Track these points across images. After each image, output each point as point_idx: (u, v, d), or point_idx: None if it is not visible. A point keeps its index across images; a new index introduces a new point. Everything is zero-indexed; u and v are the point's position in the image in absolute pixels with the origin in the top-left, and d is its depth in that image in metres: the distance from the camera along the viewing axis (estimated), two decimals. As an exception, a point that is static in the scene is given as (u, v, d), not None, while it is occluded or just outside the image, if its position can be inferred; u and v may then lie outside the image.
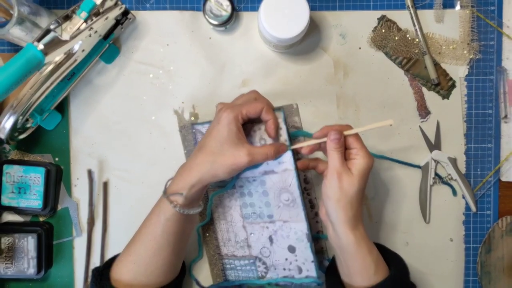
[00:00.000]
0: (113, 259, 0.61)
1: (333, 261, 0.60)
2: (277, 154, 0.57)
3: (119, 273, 0.57)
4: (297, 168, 0.58)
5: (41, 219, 0.69)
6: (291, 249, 0.62)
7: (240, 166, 0.54)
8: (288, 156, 0.58)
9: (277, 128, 0.57)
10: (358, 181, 0.53)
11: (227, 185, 0.63)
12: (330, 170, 0.54)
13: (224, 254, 0.67)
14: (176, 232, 0.57)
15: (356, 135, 0.55)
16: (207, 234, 0.68)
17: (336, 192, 0.53)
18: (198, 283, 0.69)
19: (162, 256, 0.57)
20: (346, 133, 0.55)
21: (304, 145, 0.57)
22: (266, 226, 0.63)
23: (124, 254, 0.58)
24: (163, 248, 0.56)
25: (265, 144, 0.59)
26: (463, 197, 0.68)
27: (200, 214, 0.67)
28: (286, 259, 0.63)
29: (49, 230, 0.68)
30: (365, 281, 0.53)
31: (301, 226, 0.60)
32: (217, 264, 0.68)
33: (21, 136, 0.65)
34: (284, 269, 0.63)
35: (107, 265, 0.60)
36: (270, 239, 0.63)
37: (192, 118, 0.68)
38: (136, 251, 0.57)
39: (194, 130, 0.67)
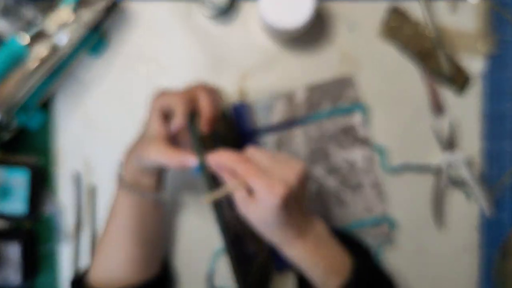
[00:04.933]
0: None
1: None
2: (177, 163, 0.50)
3: (94, 273, 0.58)
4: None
5: (25, 225, 0.67)
6: None
7: (149, 160, 0.51)
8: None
9: (177, 127, 0.51)
10: (265, 219, 0.47)
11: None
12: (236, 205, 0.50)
13: None
14: (133, 217, 0.55)
15: (247, 167, 0.46)
16: None
17: (253, 225, 0.49)
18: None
19: (127, 246, 0.56)
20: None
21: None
22: None
23: (95, 253, 0.59)
24: (125, 236, 0.56)
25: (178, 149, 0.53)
26: (478, 201, 0.66)
27: None
28: None
29: (34, 237, 0.66)
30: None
31: None
32: None
33: (5, 136, 0.62)
34: None
35: (84, 272, 0.60)
36: None
37: None
38: (103, 245, 0.57)
39: None
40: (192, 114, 0.50)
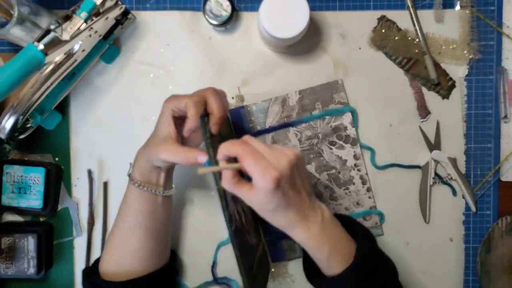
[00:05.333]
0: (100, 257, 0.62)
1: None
2: (188, 160, 0.52)
3: (105, 264, 0.59)
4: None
5: (41, 219, 0.69)
6: None
7: (159, 159, 0.54)
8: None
9: (191, 128, 0.52)
10: (265, 205, 0.48)
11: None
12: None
13: None
14: (144, 211, 0.57)
15: (245, 153, 0.47)
16: None
17: (257, 209, 0.50)
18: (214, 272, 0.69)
19: (138, 238, 0.57)
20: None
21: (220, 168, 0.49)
22: None
23: (106, 244, 0.60)
24: (135, 229, 0.57)
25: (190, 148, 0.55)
26: (463, 197, 0.68)
27: None
28: None
29: (49, 230, 0.68)
30: (324, 271, 0.53)
31: None
32: None
33: (21, 136, 0.64)
34: None
35: (95, 263, 0.61)
36: None
37: None
38: (114, 237, 0.59)
39: None
40: (203, 115, 0.53)
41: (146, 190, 0.57)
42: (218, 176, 0.50)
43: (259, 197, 0.47)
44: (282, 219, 0.50)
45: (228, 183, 0.48)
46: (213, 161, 0.51)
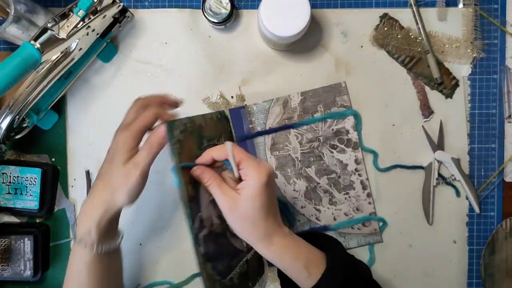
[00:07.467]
0: None
1: None
2: (152, 149, 0.50)
3: None
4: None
5: (37, 220, 0.68)
6: None
7: (135, 182, 0.49)
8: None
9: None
10: (253, 204, 0.48)
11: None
12: (219, 206, 0.50)
13: None
14: (103, 271, 0.52)
15: (240, 151, 0.50)
16: None
17: (236, 224, 0.50)
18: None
19: None
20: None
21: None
22: None
23: None
24: None
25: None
26: (467, 198, 0.68)
27: None
28: None
29: (45, 232, 0.68)
30: (304, 284, 0.51)
31: None
32: None
33: (17, 136, 0.64)
34: None
35: None
36: None
37: None
38: None
39: None
40: (171, 121, 0.51)
41: (107, 249, 0.51)
42: (182, 179, 0.49)
43: (247, 196, 0.48)
44: (261, 226, 0.50)
45: (217, 184, 0.49)
46: (178, 168, 0.50)
